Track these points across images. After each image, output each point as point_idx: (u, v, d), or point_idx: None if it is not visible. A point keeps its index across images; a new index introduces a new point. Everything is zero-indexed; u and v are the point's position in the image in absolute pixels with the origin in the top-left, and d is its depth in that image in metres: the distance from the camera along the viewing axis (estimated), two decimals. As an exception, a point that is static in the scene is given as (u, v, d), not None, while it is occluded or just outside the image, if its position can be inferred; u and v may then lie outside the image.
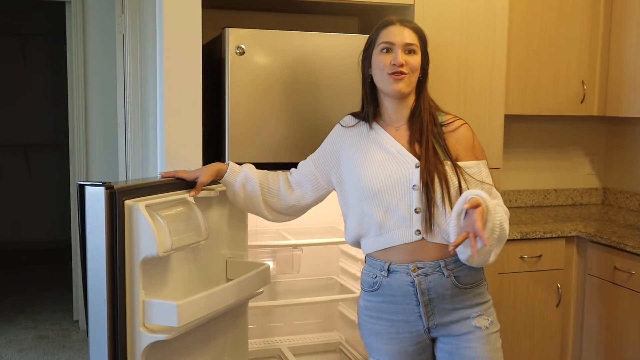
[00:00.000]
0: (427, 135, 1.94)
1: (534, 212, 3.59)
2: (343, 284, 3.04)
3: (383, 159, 1.96)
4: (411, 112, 2.00)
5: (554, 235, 3.03)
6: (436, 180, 1.88)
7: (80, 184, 1.81)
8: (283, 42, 2.42)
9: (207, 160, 2.33)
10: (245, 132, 2.40)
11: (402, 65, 1.93)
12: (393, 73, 1.93)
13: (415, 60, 1.96)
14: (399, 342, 1.97)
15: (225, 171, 2.11)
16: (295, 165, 2.25)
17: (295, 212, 2.19)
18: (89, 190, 1.77)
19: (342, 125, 2.12)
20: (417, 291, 1.92)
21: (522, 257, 3.00)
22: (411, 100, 2.00)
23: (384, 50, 1.96)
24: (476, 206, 1.75)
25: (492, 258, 1.88)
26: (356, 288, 2.90)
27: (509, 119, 3.09)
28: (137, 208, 1.80)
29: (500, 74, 2.85)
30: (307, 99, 2.46)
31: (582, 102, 3.40)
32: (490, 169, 2.03)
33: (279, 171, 2.20)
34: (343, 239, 2.89)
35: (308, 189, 2.13)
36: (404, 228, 1.92)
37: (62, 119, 5.54)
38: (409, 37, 1.96)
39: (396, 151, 1.96)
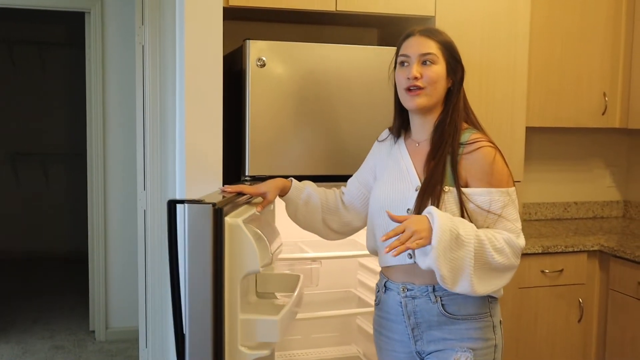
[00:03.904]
0: (441, 154, 1.83)
1: (554, 225, 3.54)
2: (361, 297, 3.01)
3: (392, 177, 1.93)
4: (435, 127, 1.89)
5: (575, 250, 2.99)
6: (429, 205, 1.79)
7: (172, 201, 1.76)
8: (303, 54, 2.42)
9: (227, 172, 2.32)
10: (265, 144, 2.39)
11: (416, 78, 1.83)
12: (408, 89, 1.85)
13: (433, 71, 1.83)
14: (396, 359, 1.97)
15: (289, 188, 2.07)
16: (315, 177, 2.23)
17: (349, 230, 2.15)
18: (191, 207, 1.71)
19: (377, 140, 2.10)
20: (404, 312, 1.90)
21: (543, 271, 2.96)
22: (437, 113, 1.89)
23: (402, 64, 1.88)
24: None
25: (479, 288, 1.75)
26: (374, 301, 2.86)
27: (529, 130, 3.07)
28: (239, 225, 1.76)
29: (522, 85, 2.83)
30: (328, 111, 2.45)
31: (603, 114, 3.36)
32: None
33: (334, 189, 2.16)
34: (361, 252, 2.88)
35: (360, 209, 2.09)
36: None
37: (79, 129, 5.57)
38: (425, 46, 1.84)
39: (406, 170, 1.91)
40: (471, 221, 1.79)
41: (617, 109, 3.39)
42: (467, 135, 1.86)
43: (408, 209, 1.85)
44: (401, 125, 1.98)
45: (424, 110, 1.88)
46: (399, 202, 1.87)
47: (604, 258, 3.04)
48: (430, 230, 1.70)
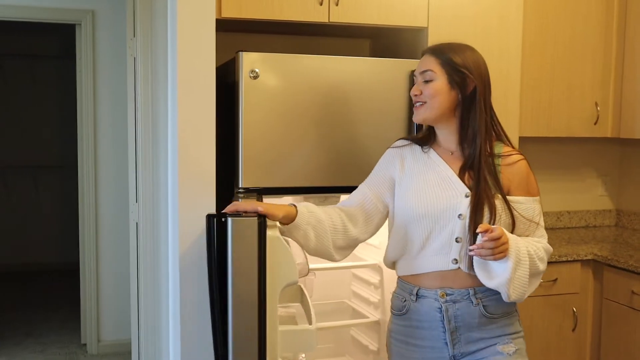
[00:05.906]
0: (480, 164, 1.89)
1: (547, 234, 3.53)
2: (355, 308, 3.00)
3: (433, 184, 1.94)
4: (459, 137, 1.94)
5: (569, 259, 2.99)
6: (485, 212, 1.85)
7: (212, 215, 1.76)
8: (296, 66, 2.41)
9: (220, 184, 2.31)
10: (259, 155, 2.38)
11: (416, 95, 1.95)
12: (414, 104, 1.97)
13: (431, 87, 1.92)
14: None
15: (295, 214, 1.92)
16: (309, 189, 2.22)
17: (354, 245, 2.08)
18: (236, 221, 1.69)
19: (392, 147, 2.09)
20: (444, 318, 1.91)
21: (537, 281, 2.96)
22: (453, 123, 1.95)
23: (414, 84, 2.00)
24: (485, 230, 1.76)
25: (528, 293, 1.90)
26: (368, 312, 2.86)
27: (522, 140, 3.07)
28: (279, 237, 1.77)
29: (515, 95, 2.83)
30: (321, 122, 2.45)
31: (595, 123, 3.37)
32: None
33: (333, 207, 2.07)
34: (356, 263, 2.88)
35: (369, 221, 2.04)
36: (442, 255, 1.90)
37: (70, 141, 5.54)
38: (424, 64, 1.95)
39: (447, 177, 1.93)
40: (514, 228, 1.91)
41: (609, 119, 3.40)
42: (500, 148, 1.96)
43: (460, 214, 1.88)
44: (429, 134, 2.03)
45: (431, 122, 1.98)
46: (448, 208, 1.89)
47: (598, 267, 3.04)
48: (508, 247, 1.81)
